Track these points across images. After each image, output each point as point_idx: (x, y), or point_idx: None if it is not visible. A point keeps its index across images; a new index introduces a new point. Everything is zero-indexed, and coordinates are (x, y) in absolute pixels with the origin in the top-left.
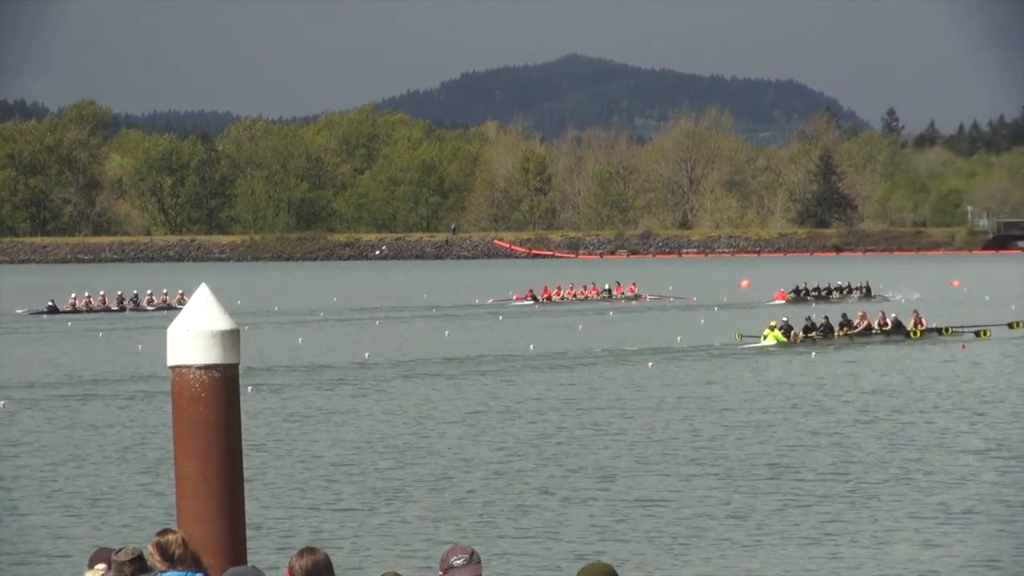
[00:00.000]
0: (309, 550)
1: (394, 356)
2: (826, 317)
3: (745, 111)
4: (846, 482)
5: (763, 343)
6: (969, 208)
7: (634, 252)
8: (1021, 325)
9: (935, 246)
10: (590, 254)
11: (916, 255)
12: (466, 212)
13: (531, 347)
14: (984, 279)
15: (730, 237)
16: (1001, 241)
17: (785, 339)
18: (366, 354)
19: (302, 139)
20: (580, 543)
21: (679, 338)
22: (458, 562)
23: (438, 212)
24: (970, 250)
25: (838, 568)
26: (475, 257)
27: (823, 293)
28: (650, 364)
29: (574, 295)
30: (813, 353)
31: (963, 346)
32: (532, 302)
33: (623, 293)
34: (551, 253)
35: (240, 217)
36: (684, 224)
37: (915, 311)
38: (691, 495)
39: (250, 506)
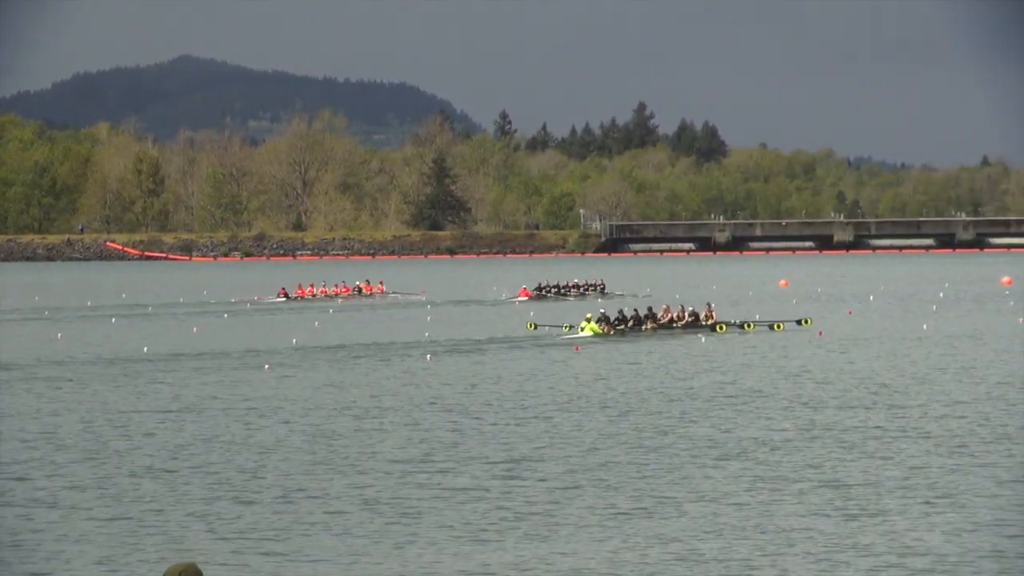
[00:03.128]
0: None
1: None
2: (636, 310)
3: (359, 113)
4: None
5: (581, 334)
6: (582, 211)
7: (248, 254)
8: (809, 322)
9: (549, 248)
10: (204, 256)
11: (530, 258)
12: (79, 214)
13: (144, 349)
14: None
15: (344, 239)
16: (613, 244)
17: (600, 330)
18: None
19: None
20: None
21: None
22: None
23: (50, 214)
24: (583, 252)
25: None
26: (88, 259)
27: (562, 291)
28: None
29: (325, 293)
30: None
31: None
32: (284, 299)
33: (371, 291)
34: (164, 255)
35: None
36: (298, 226)
37: (708, 304)
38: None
39: None
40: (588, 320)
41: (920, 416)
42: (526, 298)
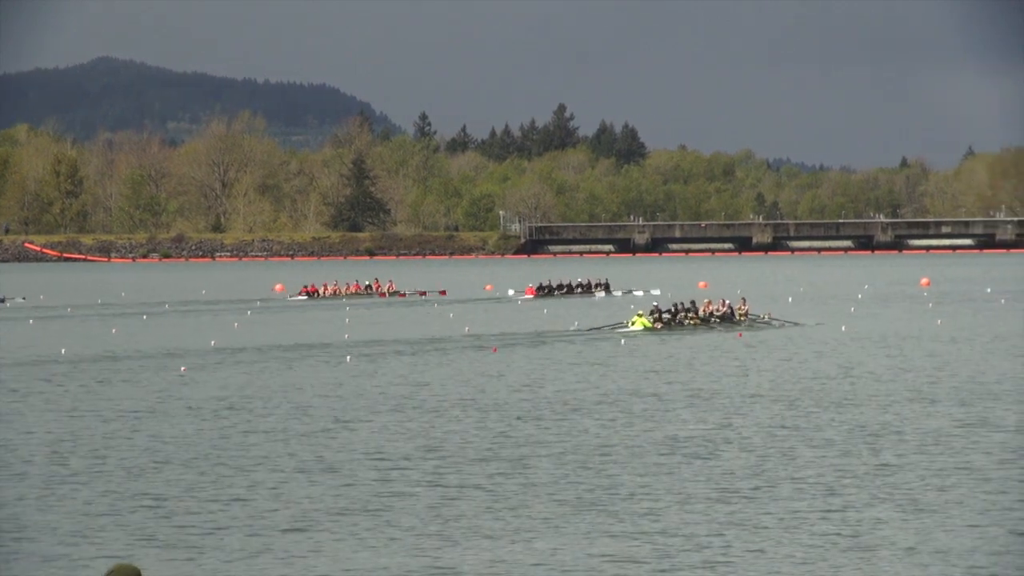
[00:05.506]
0: None
1: None
2: (681, 304)
3: (278, 115)
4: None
5: (632, 328)
6: (502, 213)
7: (167, 256)
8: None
9: (468, 250)
10: (123, 257)
11: (450, 259)
12: None
13: (63, 351)
14: (515, 281)
15: (264, 240)
16: (533, 245)
17: (650, 324)
18: None
19: None
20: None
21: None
22: None
23: None
24: (503, 254)
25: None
26: (6, 260)
27: (567, 289)
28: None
29: (337, 291)
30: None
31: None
32: (306, 297)
33: (379, 289)
34: (83, 257)
35: None
36: (217, 228)
37: (743, 299)
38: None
39: None
40: (640, 315)
41: (847, 414)
42: (531, 296)
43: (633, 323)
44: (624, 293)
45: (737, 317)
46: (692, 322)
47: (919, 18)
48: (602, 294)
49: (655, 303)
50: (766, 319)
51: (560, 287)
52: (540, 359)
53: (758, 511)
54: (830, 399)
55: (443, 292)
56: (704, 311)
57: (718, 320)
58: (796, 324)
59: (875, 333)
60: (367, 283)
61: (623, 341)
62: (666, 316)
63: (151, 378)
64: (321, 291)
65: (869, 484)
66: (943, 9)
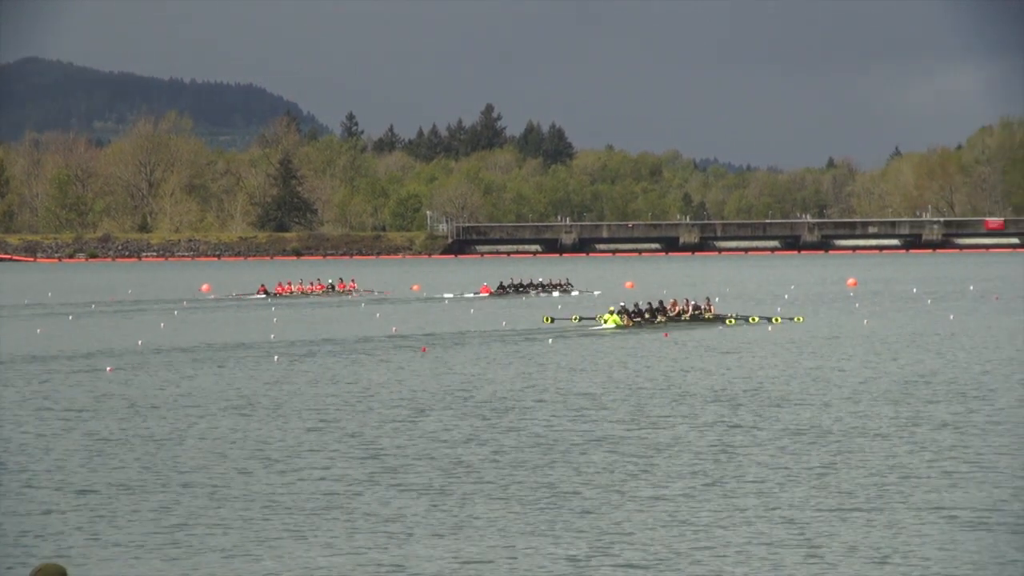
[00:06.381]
0: None
1: None
2: (648, 303)
3: (205, 115)
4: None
5: (604, 326)
6: (429, 212)
7: (93, 256)
8: (801, 319)
9: (396, 250)
10: (49, 257)
11: (377, 259)
12: None
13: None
14: (442, 282)
15: (190, 240)
16: (460, 245)
17: (621, 322)
18: None
19: None
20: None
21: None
22: None
23: None
24: (430, 254)
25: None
26: None
27: (524, 288)
28: (108, 368)
29: (302, 290)
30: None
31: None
32: (264, 296)
33: (344, 288)
34: (9, 257)
35: None
36: (144, 227)
37: (707, 298)
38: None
39: None
40: (611, 313)
41: (769, 417)
42: (487, 294)
43: (605, 321)
44: (581, 292)
45: (704, 315)
46: (661, 321)
47: (845, 19)
48: (557, 294)
49: (622, 303)
50: (733, 317)
51: (519, 285)
52: (483, 358)
53: (702, 510)
54: (767, 398)
55: (386, 292)
56: (672, 310)
57: (685, 319)
58: (764, 321)
59: (804, 334)
60: (330, 281)
61: (550, 340)
62: (636, 318)
63: (77, 378)
64: (286, 289)
65: (811, 483)
66: (869, 10)
